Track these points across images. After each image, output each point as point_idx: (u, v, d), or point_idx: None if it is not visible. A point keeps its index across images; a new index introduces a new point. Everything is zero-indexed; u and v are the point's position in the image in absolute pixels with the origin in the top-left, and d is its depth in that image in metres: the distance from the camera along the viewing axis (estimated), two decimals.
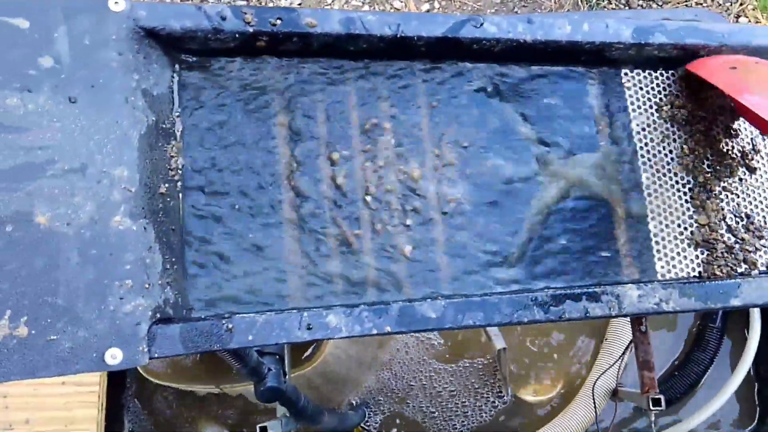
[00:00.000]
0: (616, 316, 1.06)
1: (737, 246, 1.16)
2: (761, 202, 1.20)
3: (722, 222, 1.17)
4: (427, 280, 1.06)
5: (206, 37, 1.04)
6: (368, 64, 1.13)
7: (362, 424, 2.28)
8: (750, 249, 1.16)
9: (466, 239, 1.09)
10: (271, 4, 3.07)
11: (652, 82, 1.22)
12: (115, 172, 0.92)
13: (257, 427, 1.59)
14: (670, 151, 1.19)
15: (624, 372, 2.26)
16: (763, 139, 1.23)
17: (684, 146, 1.19)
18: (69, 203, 0.89)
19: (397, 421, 2.31)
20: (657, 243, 1.15)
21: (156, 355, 0.90)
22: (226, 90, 1.07)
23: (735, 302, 1.09)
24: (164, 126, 1.01)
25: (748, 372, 2.19)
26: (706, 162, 1.20)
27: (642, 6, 3.02)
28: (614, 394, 2.21)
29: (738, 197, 1.19)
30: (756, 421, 2.30)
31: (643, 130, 1.19)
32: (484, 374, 2.34)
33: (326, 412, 1.91)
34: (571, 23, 1.14)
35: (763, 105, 0.99)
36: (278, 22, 1.05)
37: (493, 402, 2.33)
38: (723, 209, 1.18)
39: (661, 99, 1.21)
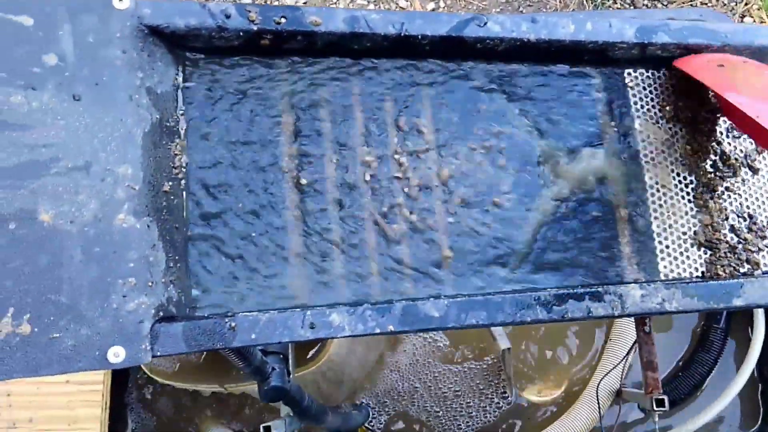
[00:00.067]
0: (619, 316, 1.06)
1: (740, 246, 1.15)
2: (764, 203, 1.20)
3: (725, 222, 1.17)
4: (430, 279, 1.06)
5: (210, 35, 1.04)
6: (373, 63, 1.13)
7: (366, 424, 2.28)
8: (753, 249, 1.15)
9: (469, 239, 1.09)
10: (275, 3, 3.07)
11: (655, 82, 1.21)
12: (119, 170, 0.92)
13: (261, 426, 1.59)
14: (674, 151, 1.19)
15: (628, 372, 2.26)
16: None
17: (687, 146, 1.19)
18: (73, 201, 0.90)
19: (402, 421, 2.31)
20: (660, 243, 1.15)
21: (159, 354, 0.89)
22: (230, 88, 1.07)
23: (738, 302, 1.08)
24: (168, 124, 1.01)
25: (752, 373, 2.19)
26: (709, 162, 1.19)
27: (647, 6, 3.01)
28: (618, 395, 2.21)
29: (741, 197, 1.19)
30: (760, 422, 2.30)
31: (647, 129, 1.19)
32: (488, 375, 2.34)
33: (330, 412, 1.91)
34: (575, 23, 1.14)
35: (748, 103, 0.99)
36: (282, 20, 1.05)
37: (498, 402, 2.33)
38: (726, 209, 1.17)
39: (664, 99, 1.21)
